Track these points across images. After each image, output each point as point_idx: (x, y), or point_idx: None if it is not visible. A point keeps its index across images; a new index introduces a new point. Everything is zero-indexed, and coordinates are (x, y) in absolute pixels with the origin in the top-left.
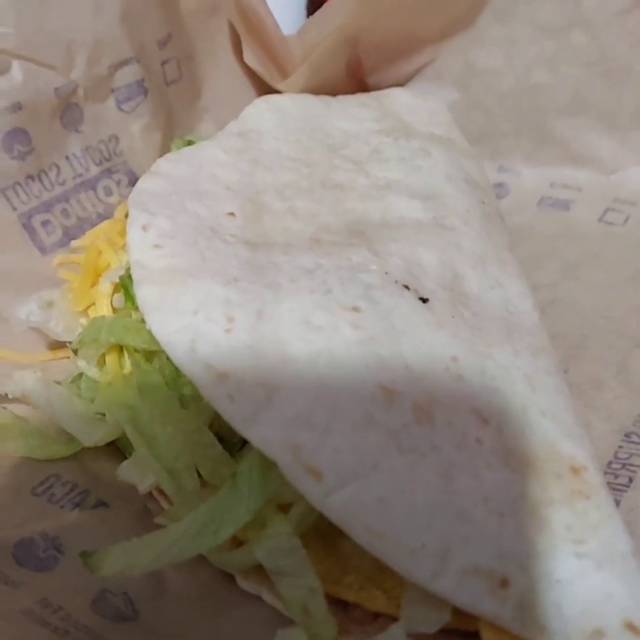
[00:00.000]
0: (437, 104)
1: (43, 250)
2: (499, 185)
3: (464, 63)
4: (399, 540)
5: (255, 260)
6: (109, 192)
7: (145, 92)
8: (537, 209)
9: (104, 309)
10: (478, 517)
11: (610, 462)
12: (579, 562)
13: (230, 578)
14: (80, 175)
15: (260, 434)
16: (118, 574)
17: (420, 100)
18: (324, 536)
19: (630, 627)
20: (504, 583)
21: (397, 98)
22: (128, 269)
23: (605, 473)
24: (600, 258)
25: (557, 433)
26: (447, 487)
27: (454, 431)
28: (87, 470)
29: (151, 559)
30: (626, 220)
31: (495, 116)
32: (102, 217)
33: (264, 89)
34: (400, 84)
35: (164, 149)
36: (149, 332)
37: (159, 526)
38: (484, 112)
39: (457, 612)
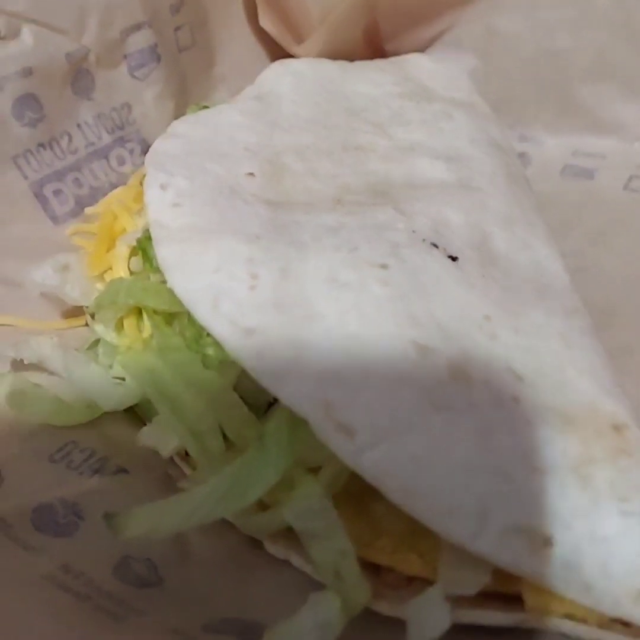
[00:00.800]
0: (458, 70)
1: (55, 219)
2: (521, 154)
3: (485, 29)
4: (436, 500)
5: (277, 219)
6: (121, 161)
7: (158, 59)
8: (560, 178)
9: (121, 273)
10: (518, 475)
11: None
12: (625, 520)
13: (257, 543)
14: (93, 143)
15: (290, 391)
16: (143, 536)
17: (441, 65)
18: (355, 498)
19: None
20: (547, 542)
21: (417, 63)
22: (146, 231)
23: None
24: (627, 225)
25: (596, 391)
26: (485, 445)
27: (490, 389)
28: (106, 437)
29: (176, 521)
30: None
31: (516, 83)
32: (115, 186)
33: (280, 56)
34: (419, 51)
35: (177, 117)
36: (169, 294)
37: (181, 491)
38: (504, 79)
39: (497, 574)
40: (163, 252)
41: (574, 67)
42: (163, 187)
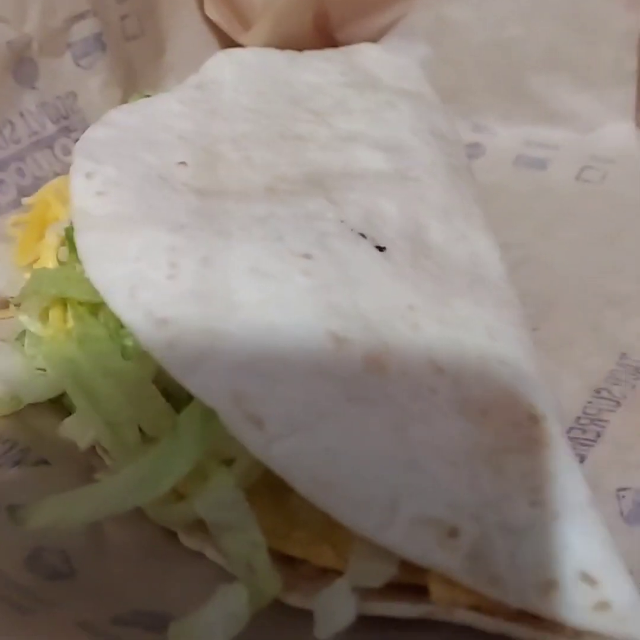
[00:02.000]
0: (408, 60)
1: None
2: (474, 145)
3: (436, 17)
4: (346, 491)
5: (206, 209)
6: (66, 151)
7: (103, 47)
8: (513, 168)
9: (49, 263)
10: (430, 467)
11: (578, 418)
12: (534, 511)
13: (173, 535)
14: (36, 133)
15: (200, 382)
16: (48, 526)
17: (391, 55)
18: (271, 490)
19: (585, 577)
20: (454, 532)
21: (366, 53)
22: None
23: (572, 428)
24: (576, 217)
25: (516, 382)
26: (398, 437)
27: (408, 381)
28: (29, 428)
29: (87, 511)
30: (603, 178)
31: (468, 72)
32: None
33: (230, 45)
34: (372, 40)
35: None
36: (92, 283)
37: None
38: (456, 68)
39: (405, 566)
40: (84, 241)
41: (525, 57)
42: (89, 175)
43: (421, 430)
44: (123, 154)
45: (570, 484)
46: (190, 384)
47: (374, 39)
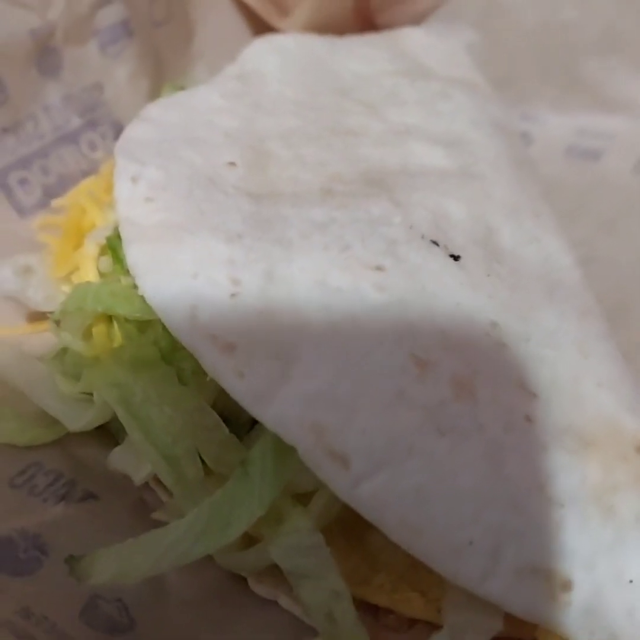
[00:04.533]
0: (455, 45)
1: (21, 211)
2: (523, 134)
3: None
4: (441, 536)
5: (261, 214)
6: (93, 147)
7: (131, 34)
8: (564, 160)
9: (89, 274)
10: (533, 508)
11: None
12: None
13: (241, 580)
14: (61, 127)
15: (275, 414)
16: (110, 582)
17: (437, 40)
18: (349, 528)
19: None
20: (566, 585)
21: (411, 38)
22: (116, 229)
23: None
24: (637, 212)
25: (616, 406)
26: (496, 473)
27: (500, 408)
28: (74, 458)
29: (149, 563)
30: None
31: (518, 58)
32: (86, 174)
33: (263, 31)
34: (414, 24)
35: (153, 98)
36: (142, 299)
37: (157, 522)
38: (505, 54)
39: (510, 618)
40: (133, 253)
41: (580, 41)
42: (134, 179)
43: (520, 465)
44: (167, 154)
45: None
46: (266, 418)
47: (416, 22)
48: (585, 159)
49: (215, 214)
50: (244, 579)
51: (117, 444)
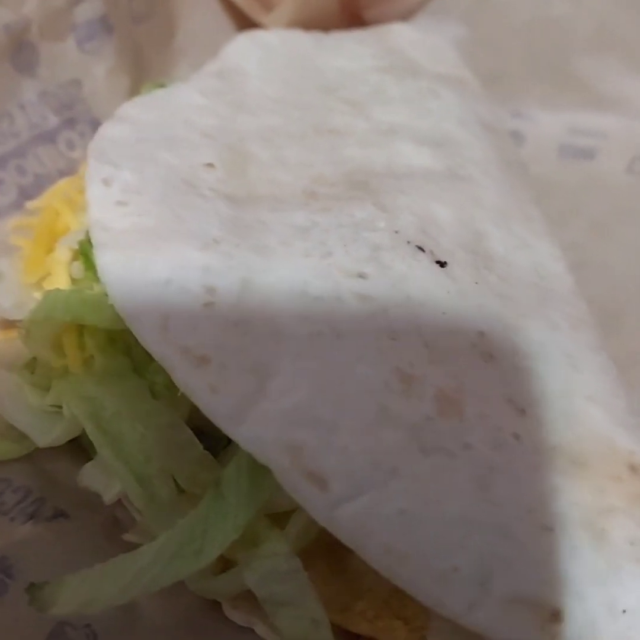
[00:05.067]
0: (444, 41)
1: None
2: (514, 133)
3: None
4: (425, 563)
5: (240, 219)
6: (71, 146)
7: (110, 30)
8: (557, 160)
9: (60, 280)
10: (522, 534)
11: None
12: None
13: (216, 605)
14: (37, 125)
15: (249, 433)
16: (75, 612)
17: (426, 36)
18: (329, 550)
19: None
20: (556, 616)
21: (399, 33)
22: (89, 233)
23: None
24: (632, 214)
25: (608, 423)
26: (483, 496)
27: (488, 425)
28: (44, 473)
29: (117, 590)
30: None
31: (509, 54)
32: (64, 174)
33: (247, 27)
34: (402, 19)
35: (133, 95)
36: (113, 308)
37: (128, 544)
38: (495, 50)
39: None
40: (104, 260)
41: (572, 37)
42: (106, 182)
43: (508, 487)
44: (142, 156)
45: None
46: (239, 436)
47: (405, 18)
48: (578, 158)
49: (192, 218)
50: (219, 604)
51: (89, 458)
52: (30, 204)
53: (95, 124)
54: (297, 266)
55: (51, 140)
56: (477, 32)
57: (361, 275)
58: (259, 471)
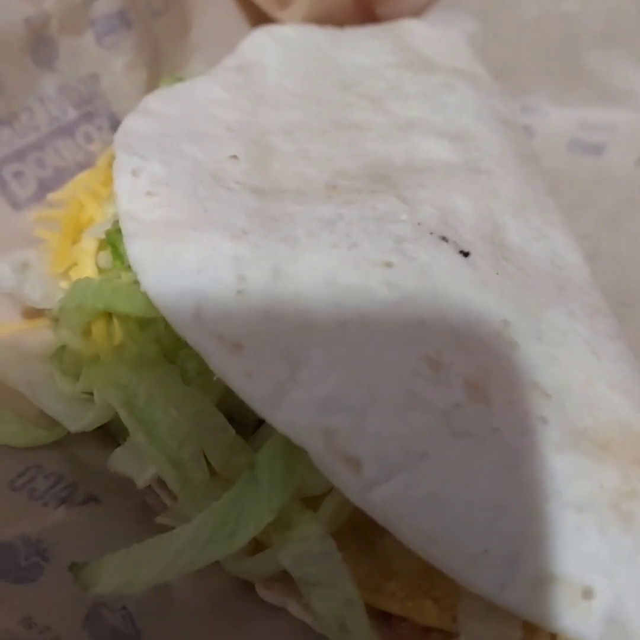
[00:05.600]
0: (456, 36)
1: (16, 205)
2: (524, 127)
3: None
4: (456, 545)
5: (266, 211)
6: (89, 139)
7: (129, 25)
8: (566, 154)
9: (88, 270)
10: (551, 514)
11: None
12: None
13: (249, 586)
14: (57, 119)
15: (285, 418)
16: (116, 591)
17: (438, 31)
18: (360, 532)
19: None
20: (588, 593)
21: (413, 29)
22: (116, 223)
23: None
24: None
25: (630, 409)
26: (512, 479)
27: (515, 410)
28: (75, 459)
29: (155, 571)
30: None
31: (519, 49)
32: (82, 167)
33: (261, 22)
34: (414, 15)
35: (150, 89)
36: (144, 296)
37: (160, 526)
38: (506, 45)
39: (528, 627)
40: (136, 250)
41: (582, 32)
42: (135, 173)
43: (536, 469)
44: (168, 149)
45: None
46: (276, 420)
47: (417, 13)
48: (587, 153)
49: (219, 210)
50: (252, 585)
51: (118, 444)
52: (52, 196)
53: (113, 118)
54: (325, 256)
55: (70, 133)
56: (488, 27)
57: (388, 264)
58: (292, 455)
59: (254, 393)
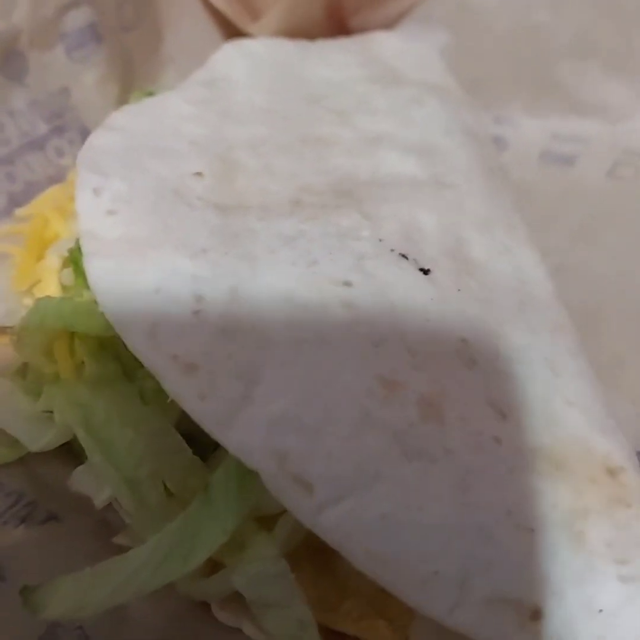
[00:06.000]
0: (428, 49)
1: None
2: (497, 138)
3: (456, 2)
4: (407, 567)
5: (228, 227)
6: (60, 153)
7: (99, 39)
8: (538, 165)
9: (51, 288)
10: (502, 536)
11: (639, 453)
12: (625, 587)
13: (205, 606)
14: (27, 133)
15: (237, 439)
16: (67, 615)
17: (410, 44)
18: (317, 552)
19: None
20: (536, 614)
21: (384, 42)
22: (79, 241)
23: None
24: (612, 217)
25: (587, 427)
26: (463, 500)
27: (469, 429)
28: (36, 477)
29: (107, 593)
30: (637, 173)
31: (491, 61)
32: (53, 181)
33: (234, 36)
34: (387, 27)
35: (122, 103)
36: (103, 315)
37: (119, 546)
38: (478, 57)
39: None
40: (94, 268)
41: (553, 44)
42: (97, 191)
43: (488, 490)
44: (132, 165)
45: None
46: (227, 442)
47: (389, 26)
48: (559, 164)
49: (180, 228)
50: (208, 605)
51: (80, 462)
52: (19, 211)
53: (84, 132)
54: (284, 274)
55: (40, 147)
56: (460, 39)
57: (346, 283)
58: (247, 476)
59: (207, 414)
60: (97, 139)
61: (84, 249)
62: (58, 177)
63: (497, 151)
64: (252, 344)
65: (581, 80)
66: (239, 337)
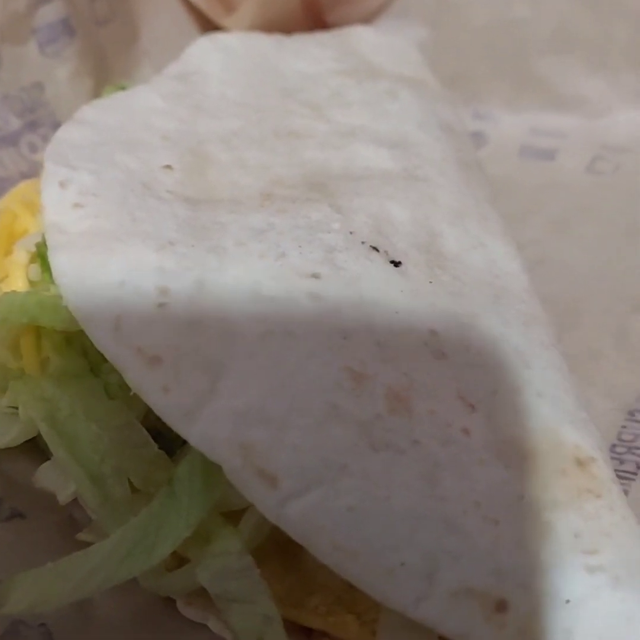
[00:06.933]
0: (406, 43)
1: None
2: (476, 134)
3: None
4: (373, 559)
5: (197, 220)
6: (33, 149)
7: (72, 33)
8: (518, 159)
9: (18, 283)
10: (469, 527)
11: (613, 445)
12: (592, 577)
13: (171, 602)
14: (0, 129)
15: (201, 433)
16: (28, 610)
17: (387, 38)
18: (283, 547)
19: None
20: (502, 605)
21: (361, 36)
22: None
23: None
24: (591, 211)
25: (557, 418)
26: (431, 491)
27: (437, 421)
28: (0, 474)
29: (70, 588)
30: (616, 169)
31: (470, 56)
32: (26, 177)
33: (209, 28)
34: (364, 22)
35: (96, 98)
36: (68, 309)
37: (85, 543)
38: (457, 52)
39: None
40: (59, 262)
41: (532, 38)
42: (63, 184)
43: (455, 481)
44: (100, 158)
45: (630, 541)
46: (191, 435)
47: (367, 20)
48: (539, 158)
49: (148, 220)
50: (174, 601)
51: (47, 459)
52: None
53: (57, 127)
54: (251, 267)
55: (13, 143)
56: (439, 34)
57: (315, 276)
58: (211, 469)
59: (170, 408)
60: (66, 133)
61: (49, 243)
62: (31, 173)
63: (476, 146)
64: (217, 337)
65: (561, 76)
66: (204, 331)
